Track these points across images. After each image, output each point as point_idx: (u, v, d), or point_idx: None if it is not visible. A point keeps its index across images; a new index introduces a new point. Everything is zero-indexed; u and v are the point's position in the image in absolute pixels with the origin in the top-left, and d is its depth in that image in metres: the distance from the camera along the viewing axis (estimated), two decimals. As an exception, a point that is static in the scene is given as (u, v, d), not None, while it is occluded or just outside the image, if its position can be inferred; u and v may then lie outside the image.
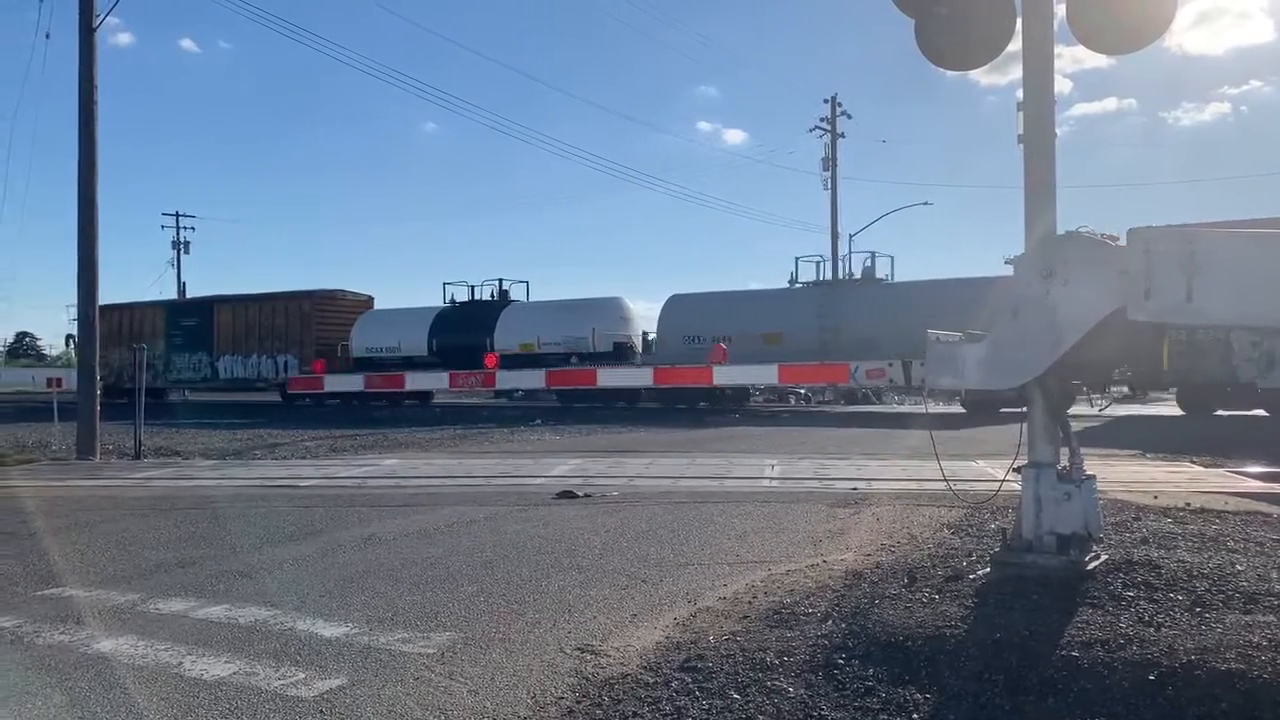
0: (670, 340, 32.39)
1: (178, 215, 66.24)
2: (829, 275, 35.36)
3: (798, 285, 33.19)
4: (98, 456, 16.98)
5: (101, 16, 17.62)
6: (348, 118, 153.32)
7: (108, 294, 19.37)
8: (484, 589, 6.32)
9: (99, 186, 17.58)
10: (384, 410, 32.71)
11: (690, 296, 34.26)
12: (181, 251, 65.99)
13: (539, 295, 38.95)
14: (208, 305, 42.40)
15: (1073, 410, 6.24)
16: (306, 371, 37.32)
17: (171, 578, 6.89)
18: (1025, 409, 5.89)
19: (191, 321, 42.11)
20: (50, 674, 4.75)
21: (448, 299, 38.46)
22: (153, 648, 5.14)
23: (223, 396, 42.84)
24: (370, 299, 41.41)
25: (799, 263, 34.24)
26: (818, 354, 28.57)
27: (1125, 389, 25.44)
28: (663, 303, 33.99)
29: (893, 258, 39.77)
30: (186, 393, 44.24)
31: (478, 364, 33.58)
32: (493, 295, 37.91)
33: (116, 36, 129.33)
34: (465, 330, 35.97)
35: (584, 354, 33.01)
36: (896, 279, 31.85)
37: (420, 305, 39.03)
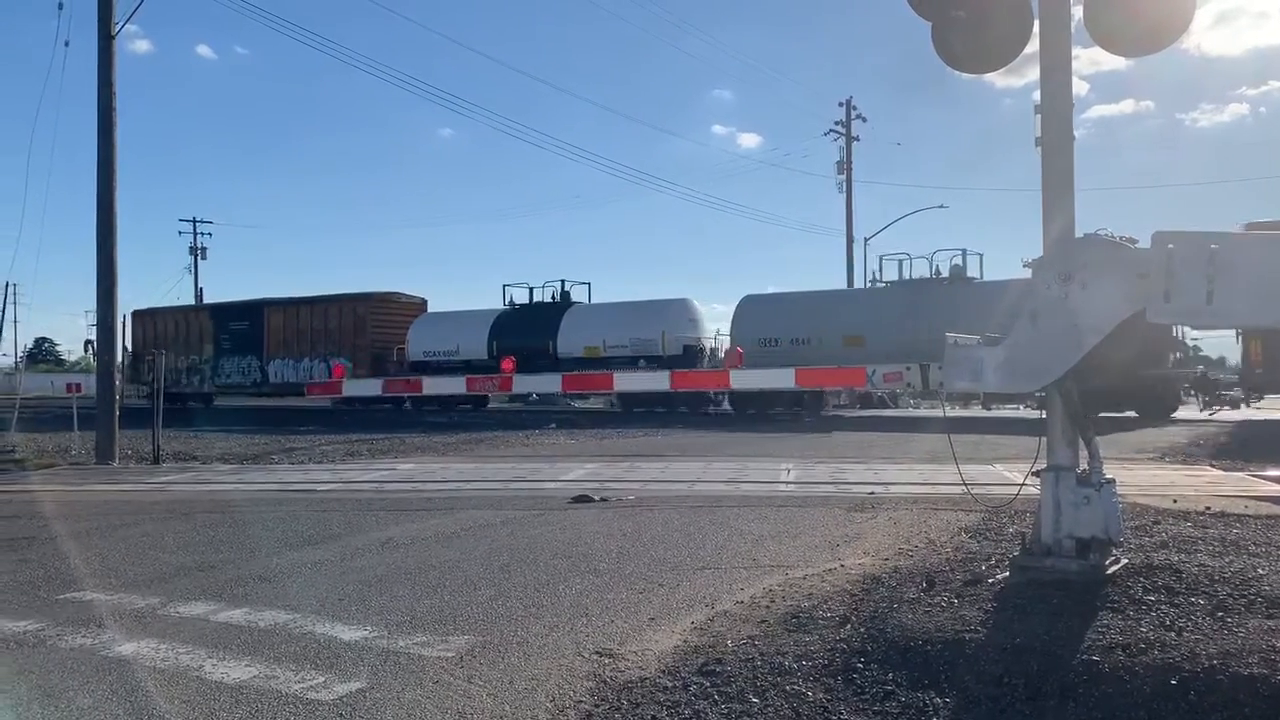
0: (744, 343, 30.75)
1: (195, 221, 66.89)
2: (558, 297, 35.71)
3: (881, 285, 31.47)
4: (116, 461, 17.09)
5: (120, 24, 17.77)
6: (363, 123, 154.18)
7: (126, 299, 19.48)
8: (501, 592, 6.34)
9: (118, 192, 17.70)
10: (438, 415, 32.05)
11: (765, 297, 33.04)
12: (199, 257, 66.58)
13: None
14: (257, 308, 41.63)
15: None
16: (360, 374, 36.07)
17: (191, 581, 6.93)
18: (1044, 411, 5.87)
19: (241, 325, 41.49)
20: (73, 677, 4.79)
21: (506, 301, 37.45)
22: (174, 651, 5.17)
23: (273, 402, 42.00)
24: (424, 301, 40.66)
25: (883, 261, 32.29)
26: (901, 357, 26.89)
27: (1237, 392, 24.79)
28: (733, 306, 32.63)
29: (982, 255, 37.73)
30: (199, 401, 43.29)
31: (543, 368, 32.38)
32: (554, 297, 36.87)
33: (135, 43, 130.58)
34: (527, 333, 35.05)
35: (652, 357, 31.85)
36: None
37: (479, 308, 38.04)
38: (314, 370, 38.32)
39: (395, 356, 37.47)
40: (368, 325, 38.04)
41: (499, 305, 37.60)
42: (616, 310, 35.11)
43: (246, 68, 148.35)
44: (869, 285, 32.03)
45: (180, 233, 67.05)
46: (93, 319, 19.39)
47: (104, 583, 6.97)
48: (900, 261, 31.15)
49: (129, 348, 45.65)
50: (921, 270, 30.42)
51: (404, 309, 39.52)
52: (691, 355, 32.41)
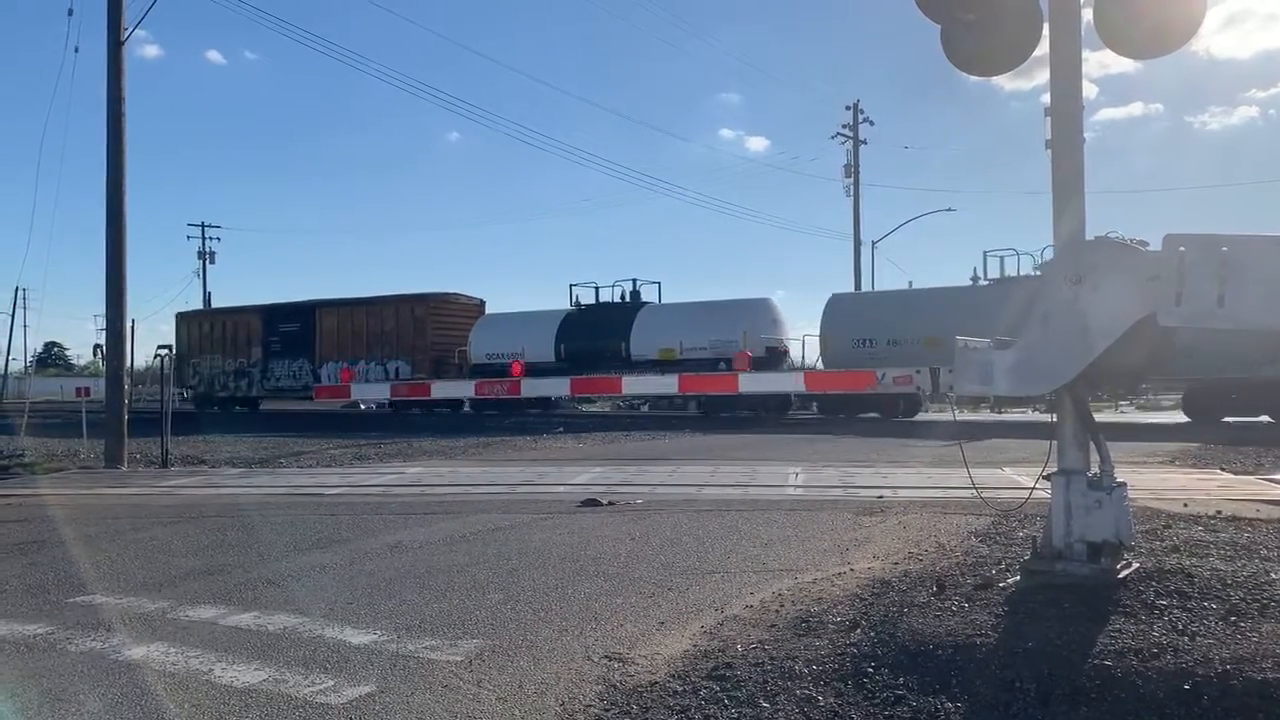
0: (837, 344, 29.25)
1: (203, 226, 67.01)
2: (626, 297, 34.75)
3: (983, 283, 29.18)
4: (125, 465, 17.14)
5: (130, 29, 17.83)
6: (371, 127, 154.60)
7: (135, 304, 19.53)
8: (510, 596, 6.33)
9: (127, 197, 17.78)
10: (495, 418, 31.32)
11: (854, 296, 31.84)
12: (207, 261, 66.75)
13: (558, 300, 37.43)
14: (309, 310, 40.32)
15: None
16: (418, 378, 35.55)
17: (200, 585, 6.94)
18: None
19: (291, 327, 40.17)
20: (83, 680, 4.79)
21: (572, 301, 35.94)
22: (183, 654, 5.18)
23: (326, 406, 40.66)
24: (482, 303, 39.43)
25: (986, 257, 29.46)
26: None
27: None
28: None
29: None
30: (245, 405, 42.04)
31: (613, 370, 31.62)
32: (623, 296, 35.33)
33: (144, 49, 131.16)
34: (596, 335, 33.61)
35: (732, 359, 30.17)
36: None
37: (546, 308, 36.60)
38: (370, 373, 37.29)
39: (456, 359, 36.39)
40: (427, 327, 36.75)
41: (553, 306, 36.18)
42: (692, 310, 33.36)
43: (256, 73, 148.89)
44: (973, 283, 29.10)
45: (189, 237, 67.16)
46: (102, 323, 19.51)
47: (113, 586, 6.98)
48: (1002, 258, 29.11)
49: (173, 350, 45.20)
50: (1026, 267, 28.30)
51: (463, 310, 38.34)
52: (775, 357, 30.86)
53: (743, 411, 30.25)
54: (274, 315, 41.33)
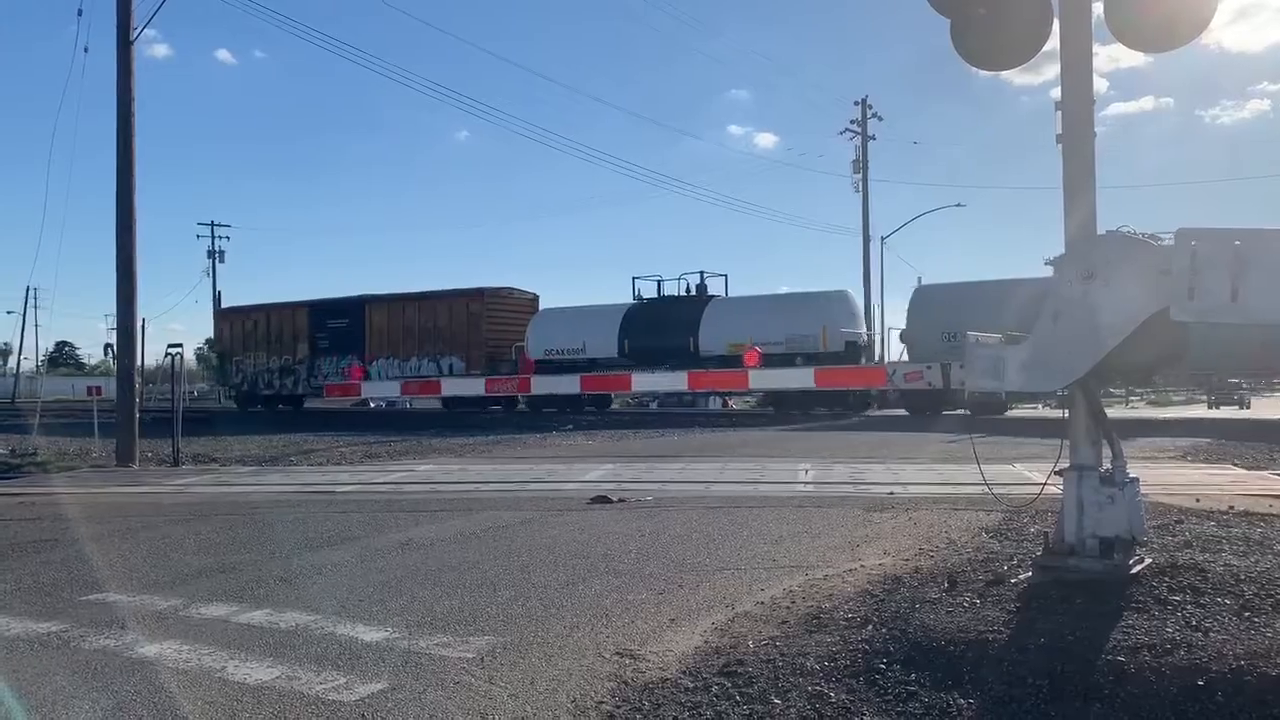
0: (924, 337, 27.76)
1: (213, 224, 67.11)
2: (692, 290, 33.62)
3: None
4: (137, 463, 17.20)
5: (139, 29, 17.89)
6: (379, 125, 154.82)
7: (145, 303, 19.60)
8: (521, 593, 6.34)
9: (137, 196, 17.83)
10: (559, 418, 30.06)
11: (944, 287, 30.38)
12: (216, 260, 66.95)
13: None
14: (358, 305, 39.21)
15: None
16: (477, 373, 33.79)
17: (212, 583, 6.96)
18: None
19: (340, 323, 39.12)
20: (96, 678, 4.81)
21: (634, 294, 34.87)
22: (196, 652, 5.19)
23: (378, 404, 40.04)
24: (536, 297, 38.16)
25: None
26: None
27: None
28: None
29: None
30: (289, 404, 40.78)
31: (683, 366, 29.91)
32: (688, 289, 34.19)
33: (153, 48, 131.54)
34: (663, 330, 32.29)
35: (811, 355, 28.95)
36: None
37: (608, 302, 35.45)
38: (422, 370, 36.03)
39: (512, 355, 35.21)
40: (482, 322, 35.65)
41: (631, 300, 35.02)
42: (765, 304, 31.99)
43: (265, 72, 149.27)
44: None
45: (199, 236, 67.32)
46: (113, 323, 19.54)
47: (126, 584, 7.01)
48: None
49: (216, 348, 43.74)
50: None
51: (517, 305, 37.17)
52: (855, 351, 29.68)
53: (818, 408, 29.40)
54: (321, 311, 40.13)
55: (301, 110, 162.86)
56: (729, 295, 33.93)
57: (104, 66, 17.99)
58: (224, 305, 44.66)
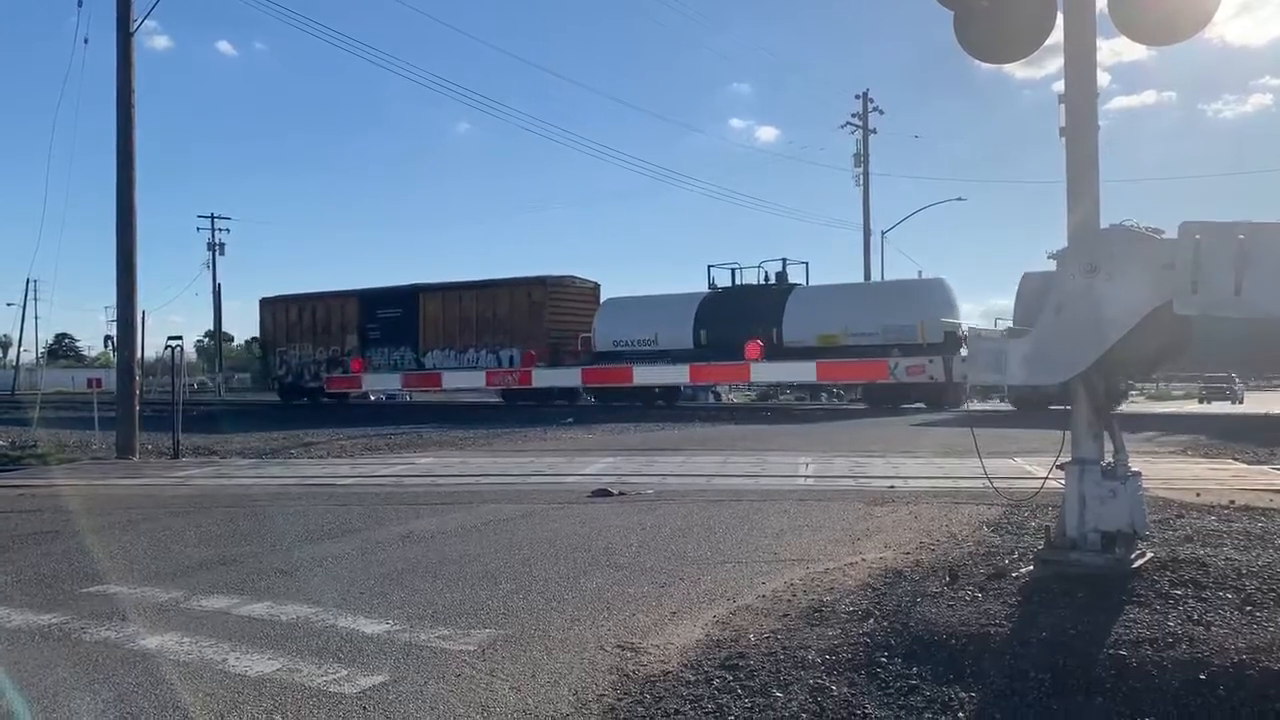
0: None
1: (213, 217, 67.25)
2: (771, 278, 32.57)
3: None
4: (137, 456, 17.22)
5: (139, 20, 17.85)
6: (380, 118, 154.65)
7: (145, 296, 19.55)
8: (522, 586, 6.33)
9: (137, 189, 17.80)
10: (620, 410, 29.37)
11: (1051, 274, 29.74)
12: (217, 253, 66.96)
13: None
14: (411, 294, 37.53)
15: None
16: (540, 367, 33.04)
17: (213, 575, 6.96)
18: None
19: (392, 313, 37.52)
20: (98, 670, 4.81)
21: (709, 283, 33.32)
22: (197, 644, 5.19)
23: (432, 397, 38.67)
24: (598, 286, 36.63)
25: None
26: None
27: None
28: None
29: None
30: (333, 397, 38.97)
31: (767, 358, 29.31)
32: (766, 278, 32.69)
33: (154, 39, 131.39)
34: (742, 320, 30.41)
35: (909, 346, 27.87)
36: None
37: (681, 291, 33.95)
38: (480, 362, 34.79)
39: (578, 346, 34.01)
40: (545, 312, 34.08)
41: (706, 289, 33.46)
42: (856, 293, 30.68)
43: (266, 64, 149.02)
44: None
45: (199, 229, 67.41)
46: (113, 315, 19.53)
47: (127, 576, 7.01)
48: None
49: (260, 339, 41.95)
50: None
51: (580, 294, 35.66)
52: (954, 342, 27.51)
53: (912, 402, 28.37)
54: (372, 300, 38.53)
55: (303, 103, 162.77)
56: (816, 285, 32.48)
57: (104, 59, 17.99)
58: (268, 295, 42.05)
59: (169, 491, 12.29)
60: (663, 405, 31.45)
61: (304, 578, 6.84)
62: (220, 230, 67.70)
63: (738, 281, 33.16)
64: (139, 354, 18.99)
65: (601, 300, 35.71)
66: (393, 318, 37.51)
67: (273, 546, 8.09)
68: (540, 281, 34.89)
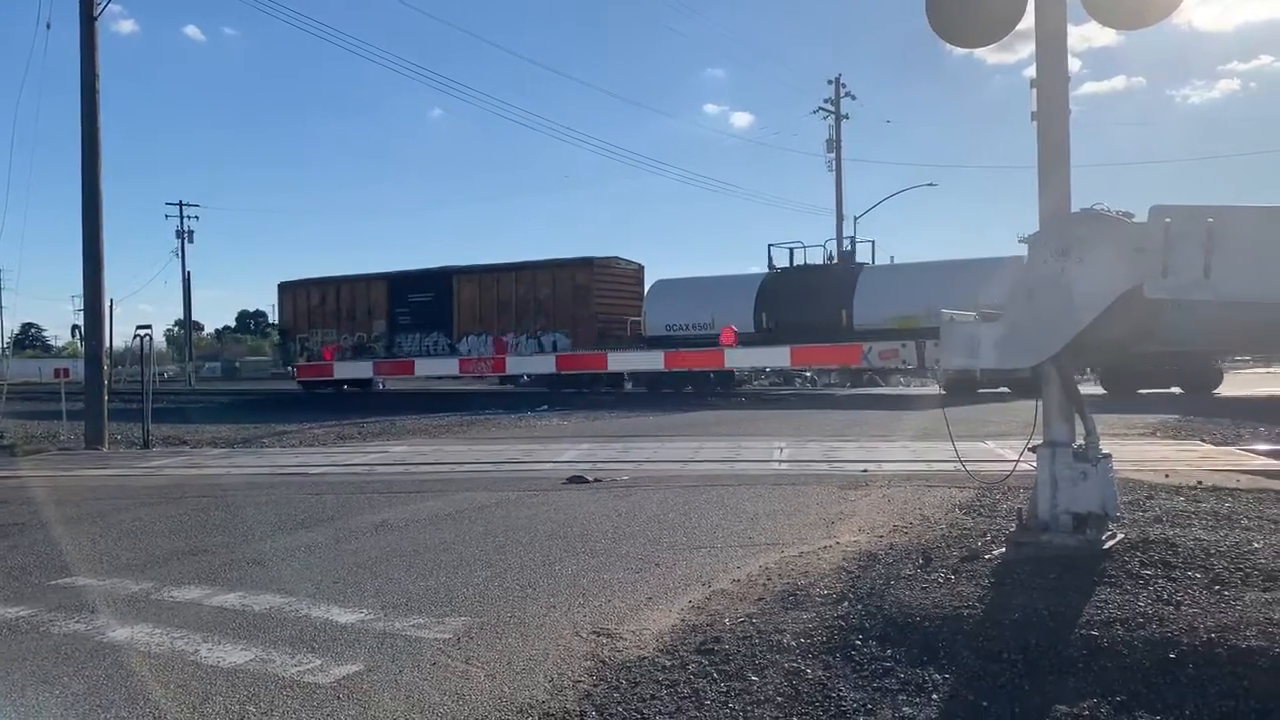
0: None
1: (181, 205, 66.42)
2: (835, 257, 31.71)
3: None
4: (106, 446, 17.02)
5: (103, 4, 17.56)
6: (351, 104, 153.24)
7: (113, 284, 19.32)
8: (497, 574, 6.31)
9: (103, 177, 17.55)
10: (690, 397, 28.04)
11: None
12: (185, 240, 66.23)
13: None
14: (444, 277, 35.76)
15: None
16: (583, 351, 31.48)
17: (184, 566, 6.89)
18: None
19: (423, 297, 35.63)
20: (67, 662, 4.75)
21: (769, 264, 31.84)
22: (168, 635, 5.14)
23: (466, 385, 37.11)
24: (642, 268, 34.88)
25: None
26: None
27: None
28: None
29: None
30: (357, 385, 37.23)
31: (835, 341, 27.92)
32: (829, 257, 31.59)
33: (119, 24, 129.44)
34: (808, 302, 29.00)
35: None
36: None
37: (739, 272, 32.70)
38: (522, 347, 33.14)
39: (628, 330, 32.41)
40: (591, 295, 32.29)
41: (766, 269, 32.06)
42: (938, 271, 27.99)
43: (235, 49, 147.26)
44: None
45: (167, 216, 66.63)
46: (80, 304, 19.26)
47: (96, 568, 6.93)
48: None
49: (279, 325, 39.99)
50: None
51: (625, 276, 34.02)
52: None
53: (996, 387, 26.84)
54: (402, 284, 36.58)
55: (273, 89, 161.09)
56: (876, 264, 31.03)
57: (68, 44, 17.67)
58: (288, 279, 39.93)
59: (139, 482, 12.15)
60: (721, 391, 30.04)
61: (276, 567, 6.79)
62: (189, 218, 66.94)
63: (796, 261, 31.73)
64: (107, 343, 18.78)
65: (646, 282, 34.27)
66: (425, 302, 35.62)
67: (244, 536, 8.02)
68: (586, 263, 33.06)
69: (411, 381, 37.84)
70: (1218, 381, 24.75)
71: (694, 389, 29.79)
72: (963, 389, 22.47)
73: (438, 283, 35.75)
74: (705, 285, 32.42)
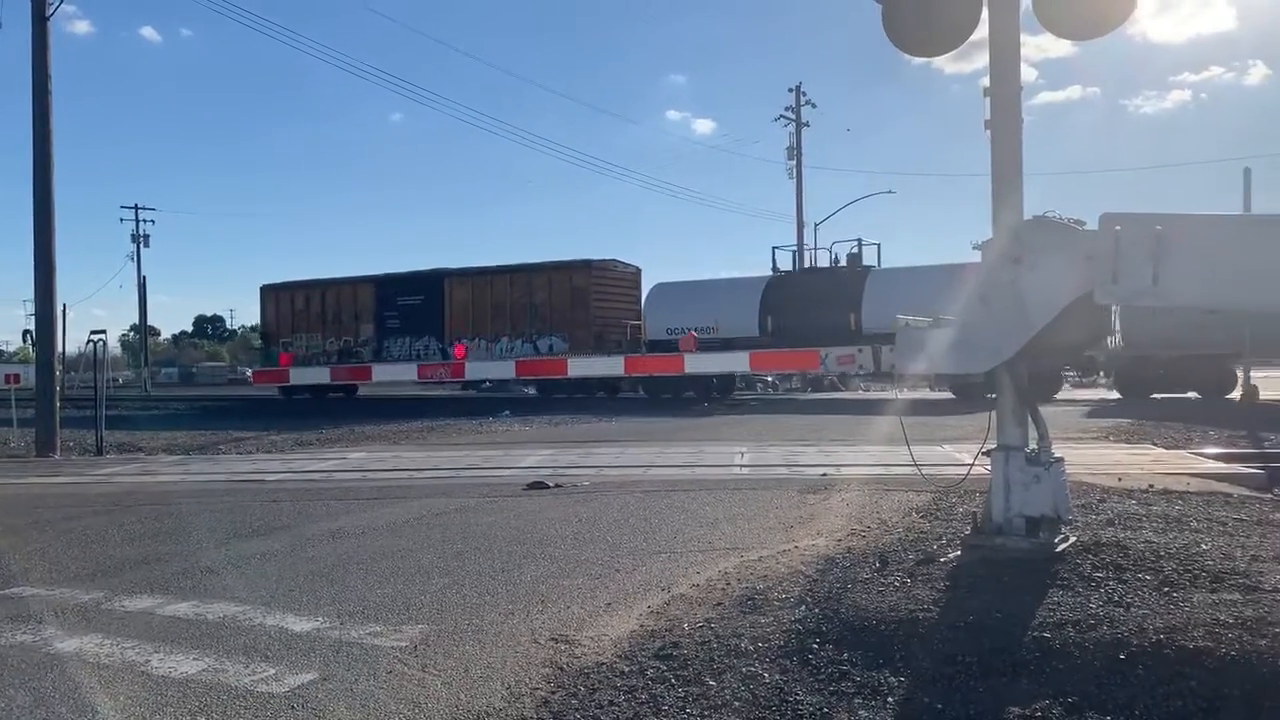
0: (1139, 315, 23.46)
1: (137, 208, 65.37)
2: (797, 264, 31.66)
3: None
4: (58, 453, 16.72)
5: (55, 5, 17.28)
6: (312, 108, 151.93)
7: (66, 289, 19.01)
8: (456, 581, 6.28)
9: (55, 181, 17.25)
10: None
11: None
12: (141, 245, 65.23)
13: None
14: (435, 279, 34.72)
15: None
16: (583, 355, 30.51)
17: (137, 575, 6.78)
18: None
19: (413, 300, 34.70)
20: (13, 674, 4.65)
21: (773, 266, 31.37)
22: (119, 646, 5.06)
23: (459, 391, 36.51)
24: (639, 271, 34.20)
25: None
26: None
27: None
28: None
29: None
30: (340, 391, 36.30)
31: (842, 345, 27.34)
32: (834, 260, 30.96)
33: (73, 24, 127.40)
34: (814, 305, 28.56)
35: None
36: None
37: (744, 275, 32.09)
38: (516, 353, 32.30)
39: (627, 334, 31.69)
40: (589, 298, 31.54)
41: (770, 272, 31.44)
42: (942, 274, 26.22)
43: (192, 50, 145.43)
44: None
45: (122, 220, 65.53)
46: (32, 309, 18.91)
47: (45, 578, 6.79)
48: None
49: (261, 330, 38.65)
50: None
51: (623, 279, 33.35)
52: None
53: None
54: (390, 286, 35.59)
55: (230, 92, 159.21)
56: (882, 267, 30.23)
57: (19, 44, 17.39)
58: (270, 281, 38.84)
59: (91, 489, 11.94)
60: (751, 399, 29.85)
61: (231, 576, 6.70)
62: (145, 222, 65.91)
63: (800, 264, 31.63)
64: (59, 349, 18.45)
65: (643, 285, 33.73)
66: (415, 305, 34.62)
67: (199, 544, 7.90)
68: (585, 265, 32.19)
69: (403, 388, 37.31)
70: (1233, 385, 24.82)
71: (694, 394, 29.56)
72: (973, 394, 22.24)
73: (429, 285, 34.76)
74: (707, 289, 32.01)
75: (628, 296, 33.19)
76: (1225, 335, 22.82)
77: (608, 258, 33.43)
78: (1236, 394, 24.42)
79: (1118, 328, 25.40)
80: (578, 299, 31.83)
